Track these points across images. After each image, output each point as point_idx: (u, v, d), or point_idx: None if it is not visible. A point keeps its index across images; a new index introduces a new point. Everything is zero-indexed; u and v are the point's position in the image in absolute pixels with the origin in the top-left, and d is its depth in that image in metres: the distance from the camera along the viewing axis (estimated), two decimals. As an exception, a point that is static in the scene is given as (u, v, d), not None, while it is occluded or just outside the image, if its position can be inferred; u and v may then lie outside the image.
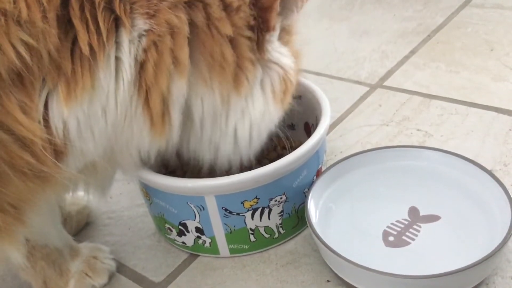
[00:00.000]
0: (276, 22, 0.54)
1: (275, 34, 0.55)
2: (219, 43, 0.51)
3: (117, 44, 0.47)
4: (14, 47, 0.42)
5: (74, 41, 0.45)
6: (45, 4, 0.43)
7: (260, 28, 0.53)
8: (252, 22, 0.52)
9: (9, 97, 0.43)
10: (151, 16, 0.47)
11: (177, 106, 0.52)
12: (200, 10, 0.49)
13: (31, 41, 0.43)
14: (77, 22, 0.45)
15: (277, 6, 0.53)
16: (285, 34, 0.58)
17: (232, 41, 0.51)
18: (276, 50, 0.56)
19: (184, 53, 0.49)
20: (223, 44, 0.51)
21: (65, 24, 0.45)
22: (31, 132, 0.45)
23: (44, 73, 0.45)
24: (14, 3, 0.42)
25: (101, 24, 0.46)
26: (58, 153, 0.48)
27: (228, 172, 0.69)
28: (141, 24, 0.47)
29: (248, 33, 0.52)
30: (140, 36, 0.48)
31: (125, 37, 0.47)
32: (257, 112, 0.56)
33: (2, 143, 0.44)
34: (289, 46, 0.59)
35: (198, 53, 0.51)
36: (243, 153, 0.59)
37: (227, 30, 0.50)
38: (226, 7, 0.51)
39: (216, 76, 0.52)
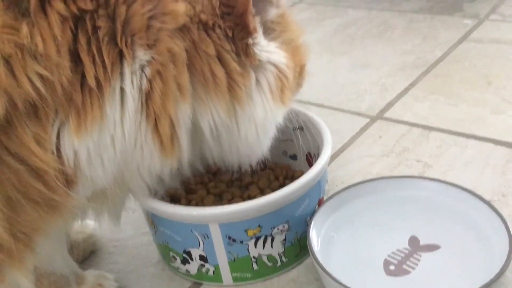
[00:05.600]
0: (255, 23, 0.54)
1: (258, 35, 0.55)
2: (208, 63, 0.53)
3: (122, 75, 0.49)
4: (30, 79, 0.44)
5: (83, 74, 0.47)
6: (59, 38, 0.45)
7: (240, 36, 0.54)
8: (230, 34, 0.54)
9: (24, 129, 0.45)
10: (151, 46, 0.49)
11: (184, 128, 0.54)
12: (186, 35, 0.51)
13: (46, 73, 0.44)
14: (84, 56, 0.47)
15: (251, 9, 0.53)
16: (271, 30, 0.58)
17: (219, 58, 0.53)
18: (264, 49, 0.56)
19: (185, 78, 0.51)
20: (211, 63, 0.53)
21: (75, 57, 0.47)
22: (45, 163, 0.46)
23: (57, 105, 0.46)
24: (31, 37, 0.44)
25: (105, 57, 0.47)
26: (69, 182, 0.49)
27: (231, 200, 0.71)
28: (142, 55, 0.49)
29: (228, 46, 0.53)
30: (143, 67, 0.49)
31: (127, 69, 0.49)
32: (259, 115, 0.57)
33: (16, 173, 0.45)
34: (282, 39, 0.59)
35: (193, 75, 0.53)
36: (256, 152, 0.61)
37: (211, 50, 0.52)
38: (205, 28, 0.52)
39: (212, 94, 0.54)
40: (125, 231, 0.77)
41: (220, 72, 0.53)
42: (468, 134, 0.87)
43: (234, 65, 0.54)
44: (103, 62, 0.47)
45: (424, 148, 0.85)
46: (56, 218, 0.51)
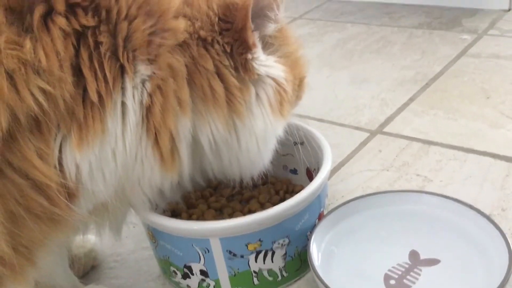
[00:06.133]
0: (254, 38, 0.55)
1: (257, 50, 0.56)
2: (207, 78, 0.54)
3: (123, 90, 0.50)
4: (32, 94, 0.44)
5: (85, 88, 0.48)
6: (61, 53, 0.46)
7: (239, 51, 0.55)
8: (228, 49, 0.54)
9: (27, 143, 0.45)
10: (151, 61, 0.50)
11: (184, 142, 0.55)
12: (186, 51, 0.52)
13: (48, 88, 0.45)
14: (86, 71, 0.47)
15: (249, 25, 0.54)
16: (270, 44, 0.59)
17: (217, 73, 0.54)
18: (263, 64, 0.56)
19: (185, 93, 0.52)
20: (210, 78, 0.54)
21: (77, 72, 0.48)
22: (47, 177, 0.47)
23: (59, 119, 0.47)
24: (34, 52, 0.45)
25: (107, 72, 0.48)
26: (71, 195, 0.49)
27: (231, 215, 0.71)
28: (143, 70, 0.50)
29: (227, 61, 0.54)
30: (143, 81, 0.50)
31: (128, 83, 0.50)
32: (259, 127, 0.57)
33: (19, 188, 0.46)
34: (280, 53, 0.59)
35: (192, 90, 0.54)
36: (258, 164, 0.61)
37: (209, 65, 0.53)
38: (204, 44, 0.53)
39: (211, 109, 0.55)
40: (126, 245, 0.77)
41: (219, 87, 0.54)
42: (467, 148, 0.87)
43: (232, 80, 0.55)
44: (104, 76, 0.48)
45: (423, 162, 0.86)
46: (57, 232, 0.51)
